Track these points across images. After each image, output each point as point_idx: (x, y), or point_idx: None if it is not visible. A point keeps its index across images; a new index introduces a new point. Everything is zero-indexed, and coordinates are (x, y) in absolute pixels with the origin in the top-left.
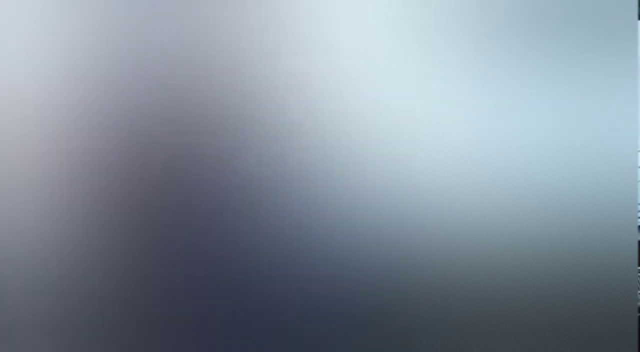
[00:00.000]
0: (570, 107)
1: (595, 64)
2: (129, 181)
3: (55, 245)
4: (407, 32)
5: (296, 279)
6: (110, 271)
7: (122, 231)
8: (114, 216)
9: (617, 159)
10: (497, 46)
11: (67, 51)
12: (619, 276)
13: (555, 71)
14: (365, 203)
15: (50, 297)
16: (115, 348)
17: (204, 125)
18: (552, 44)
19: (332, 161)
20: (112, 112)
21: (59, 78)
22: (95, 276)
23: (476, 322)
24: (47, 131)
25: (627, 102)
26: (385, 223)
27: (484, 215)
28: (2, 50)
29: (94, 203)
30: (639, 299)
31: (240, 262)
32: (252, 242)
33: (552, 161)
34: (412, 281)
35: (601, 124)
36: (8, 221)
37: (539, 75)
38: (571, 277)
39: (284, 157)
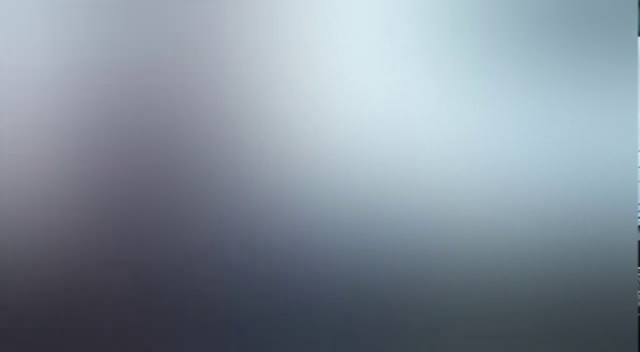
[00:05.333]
0: (570, 107)
1: (595, 64)
2: (126, 181)
3: (53, 244)
4: (406, 33)
5: (294, 279)
6: (108, 271)
7: (120, 231)
8: (111, 216)
9: (617, 159)
10: (497, 47)
11: (66, 52)
12: (619, 276)
13: (555, 71)
14: (365, 203)
15: (50, 297)
16: (114, 348)
17: (203, 126)
18: (552, 44)
19: (332, 162)
20: (110, 112)
21: (57, 79)
22: (94, 276)
23: (476, 322)
24: (45, 131)
25: (627, 102)
26: (385, 223)
27: (484, 215)
28: (2, 50)
29: (92, 203)
30: (639, 299)
31: (239, 262)
32: (252, 242)
33: (552, 161)
34: (412, 281)
35: (601, 124)
36: (8, 220)
37: (539, 75)
38: (571, 277)
39: (283, 158)
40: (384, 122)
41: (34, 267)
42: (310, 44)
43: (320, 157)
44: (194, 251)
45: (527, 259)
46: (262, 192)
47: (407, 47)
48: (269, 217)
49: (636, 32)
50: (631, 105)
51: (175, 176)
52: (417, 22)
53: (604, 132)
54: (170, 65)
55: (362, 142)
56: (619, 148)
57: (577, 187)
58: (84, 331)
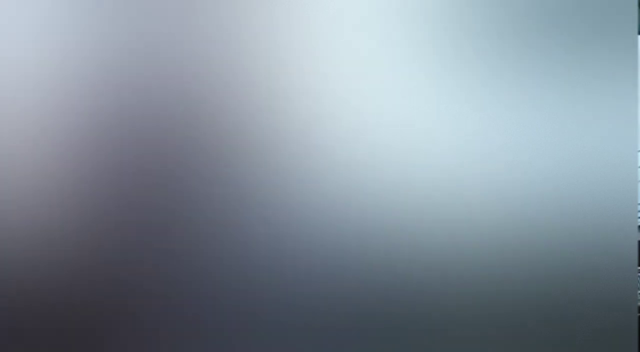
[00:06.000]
0: (571, 107)
1: (595, 65)
2: (127, 181)
3: (53, 245)
4: (406, 33)
5: (293, 279)
6: (108, 271)
7: (121, 230)
8: (112, 216)
9: (617, 159)
10: (497, 47)
11: (67, 51)
12: (619, 276)
13: (556, 72)
14: (365, 203)
15: (49, 297)
16: (114, 348)
17: (203, 126)
18: (553, 45)
19: (331, 162)
20: (111, 112)
21: (58, 78)
22: (94, 276)
23: (477, 322)
24: (46, 131)
25: (627, 102)
26: (385, 223)
27: (484, 215)
28: (3, 50)
29: (93, 202)
30: (639, 299)
31: (239, 262)
32: (252, 242)
33: (553, 161)
34: (413, 281)
35: (601, 124)
36: (8, 220)
37: (539, 76)
38: (571, 277)
39: (282, 158)
40: (384, 122)
41: (35, 267)
42: (309, 46)
43: (320, 157)
44: (194, 251)
45: (527, 259)
46: (260, 191)
47: (407, 47)
48: (268, 216)
49: (636, 32)
50: (631, 105)
51: (176, 176)
52: (417, 22)
53: (604, 132)
54: (170, 64)
55: (362, 142)
56: (619, 148)
57: (577, 187)
58: (84, 331)
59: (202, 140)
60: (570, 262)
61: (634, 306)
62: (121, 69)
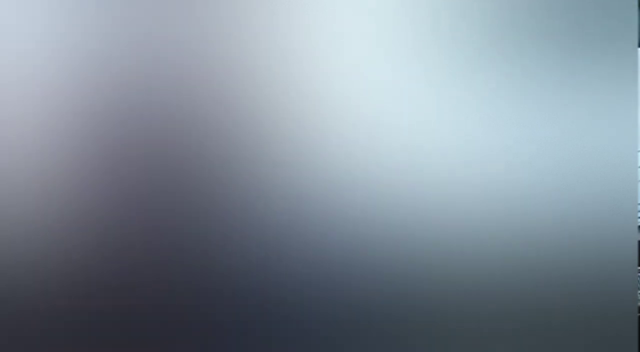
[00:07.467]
0: (571, 107)
1: (595, 64)
2: (126, 179)
3: (54, 245)
4: (405, 33)
5: (293, 280)
6: (109, 272)
7: (121, 231)
8: (112, 216)
9: (617, 159)
10: (497, 48)
11: (67, 51)
12: (619, 276)
13: (556, 71)
14: (364, 204)
15: (49, 298)
16: (113, 348)
17: (204, 127)
18: (552, 45)
19: (330, 163)
20: (109, 111)
21: (58, 79)
22: (95, 277)
23: (476, 323)
24: (46, 132)
25: (627, 102)
26: (385, 224)
27: (483, 215)
28: (4, 50)
29: (94, 203)
30: (639, 299)
31: (239, 262)
32: (252, 242)
33: (553, 161)
34: (413, 282)
35: (601, 124)
36: (8, 221)
37: (540, 75)
38: (571, 277)
39: (283, 159)
40: (384, 122)
41: (36, 267)
42: (309, 46)
43: (321, 157)
44: (196, 250)
45: (527, 259)
46: (259, 190)
47: (406, 47)
48: (267, 215)
49: (636, 32)
50: (631, 106)
51: (175, 175)
52: (416, 22)
53: (604, 132)
54: (169, 64)
55: (362, 142)
56: (619, 148)
57: (577, 187)
58: (85, 331)
59: (202, 139)
60: (570, 262)
61: (634, 306)
62: (120, 68)
